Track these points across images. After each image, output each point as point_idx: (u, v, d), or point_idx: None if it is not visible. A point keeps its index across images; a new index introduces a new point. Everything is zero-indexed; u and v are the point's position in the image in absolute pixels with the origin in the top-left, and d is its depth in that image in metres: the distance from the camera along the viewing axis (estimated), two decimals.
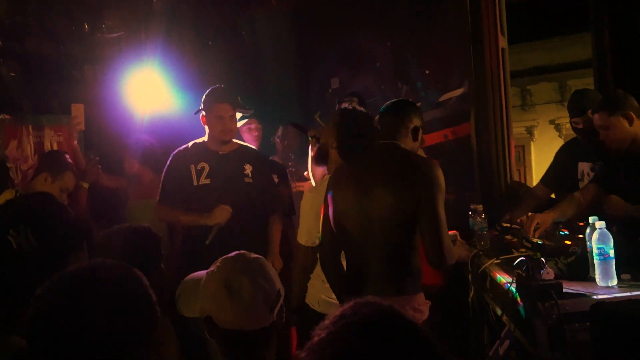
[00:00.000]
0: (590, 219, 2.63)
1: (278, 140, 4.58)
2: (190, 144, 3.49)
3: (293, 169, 4.36)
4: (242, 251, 1.75)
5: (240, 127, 4.19)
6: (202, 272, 1.76)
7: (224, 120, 3.36)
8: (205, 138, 3.47)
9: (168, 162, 3.49)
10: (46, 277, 1.27)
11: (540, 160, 10.76)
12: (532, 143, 11.06)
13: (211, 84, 3.58)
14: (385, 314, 1.00)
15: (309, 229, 2.86)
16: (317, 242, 2.78)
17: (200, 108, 3.42)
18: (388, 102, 2.75)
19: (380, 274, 2.52)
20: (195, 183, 3.38)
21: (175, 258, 4.04)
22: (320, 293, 2.84)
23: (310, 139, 3.34)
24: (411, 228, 2.50)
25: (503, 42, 4.50)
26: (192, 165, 3.40)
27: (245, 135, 4.27)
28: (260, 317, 1.64)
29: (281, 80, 5.47)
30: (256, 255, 1.75)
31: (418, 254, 2.57)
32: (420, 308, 2.52)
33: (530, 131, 11.00)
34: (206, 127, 3.43)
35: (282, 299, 1.70)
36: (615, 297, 2.38)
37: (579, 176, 3.46)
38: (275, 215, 3.53)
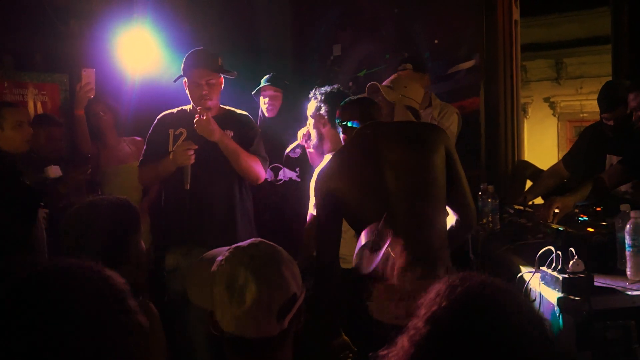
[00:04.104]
0: (622, 207, 2.44)
1: None
2: (177, 108, 3.36)
3: None
4: (257, 239, 1.50)
5: (255, 93, 3.94)
6: (220, 250, 1.51)
7: (200, 87, 3.19)
8: (191, 105, 3.31)
9: (152, 125, 3.37)
10: None
11: (532, 138, 10.61)
12: (525, 120, 10.90)
13: (204, 45, 3.36)
14: (491, 283, 1.03)
15: None
16: None
17: (179, 76, 3.26)
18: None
19: (413, 259, 2.28)
20: (170, 149, 3.22)
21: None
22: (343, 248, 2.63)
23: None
24: (441, 194, 2.33)
25: (516, 14, 4.29)
26: (171, 130, 3.26)
27: (261, 103, 3.96)
28: (265, 325, 1.39)
29: (278, 44, 5.20)
30: (274, 247, 1.49)
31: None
32: None
33: (524, 108, 10.83)
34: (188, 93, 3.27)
35: (298, 303, 1.46)
36: None
37: (607, 168, 3.23)
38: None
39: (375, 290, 2.32)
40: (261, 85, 3.91)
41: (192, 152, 3.09)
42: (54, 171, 3.53)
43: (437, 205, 2.34)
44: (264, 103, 3.91)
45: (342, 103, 2.63)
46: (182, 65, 3.24)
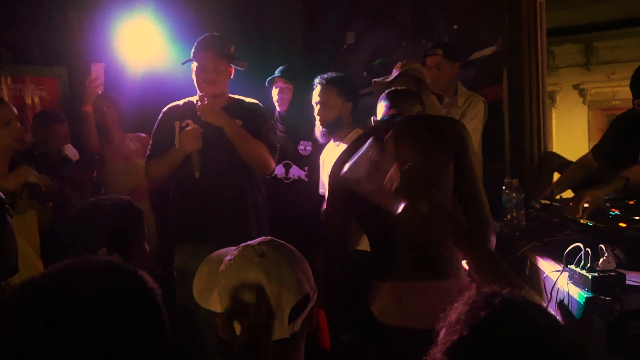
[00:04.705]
0: None
1: None
2: (183, 100, 3.39)
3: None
4: (267, 237, 1.51)
5: (268, 84, 3.95)
6: (228, 250, 1.52)
7: (207, 71, 3.21)
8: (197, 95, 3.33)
9: (158, 119, 3.41)
10: None
11: (561, 128, 10.51)
12: (553, 109, 10.80)
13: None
14: (519, 305, 0.98)
15: None
16: None
17: (187, 59, 3.30)
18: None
19: (420, 258, 2.30)
20: (176, 142, 3.24)
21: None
22: None
23: None
24: (447, 194, 2.30)
25: None
26: (177, 122, 3.27)
27: (273, 95, 3.96)
28: (276, 327, 1.40)
29: (288, 33, 5.20)
30: (284, 246, 1.50)
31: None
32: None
33: (551, 96, 10.69)
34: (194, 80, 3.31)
35: (311, 303, 1.46)
36: None
37: None
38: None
39: (379, 291, 2.34)
40: (273, 75, 3.92)
41: (199, 135, 3.10)
42: (72, 151, 3.58)
43: (441, 204, 2.31)
44: (275, 95, 3.93)
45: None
46: (192, 49, 3.27)
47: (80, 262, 1.03)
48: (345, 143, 3.25)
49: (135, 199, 3.87)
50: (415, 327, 2.18)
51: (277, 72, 3.92)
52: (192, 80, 3.31)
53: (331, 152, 3.39)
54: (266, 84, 3.96)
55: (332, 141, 3.48)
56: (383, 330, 2.28)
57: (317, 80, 3.44)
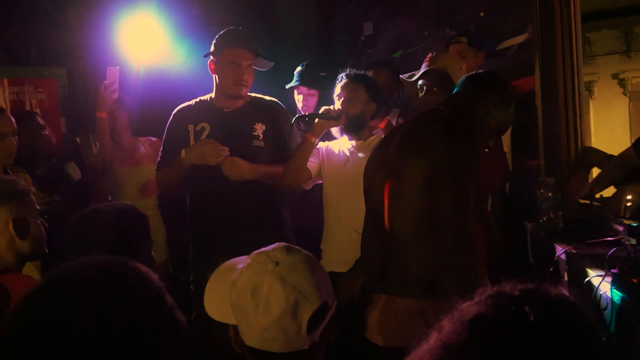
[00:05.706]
0: None
1: None
2: (195, 100, 3.34)
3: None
4: (282, 243, 1.51)
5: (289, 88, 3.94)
6: (241, 258, 1.52)
7: (240, 69, 3.14)
8: (213, 93, 3.29)
9: (168, 122, 3.36)
10: None
11: (599, 121, 10.46)
12: (590, 101, 10.74)
13: (217, 30, 3.37)
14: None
15: None
16: None
17: (210, 51, 3.21)
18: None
19: (404, 276, 2.33)
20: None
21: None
22: None
23: None
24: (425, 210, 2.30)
25: None
26: (191, 126, 3.23)
27: (294, 96, 3.95)
28: (294, 337, 1.39)
29: (301, 25, 5.20)
30: (301, 252, 1.50)
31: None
32: None
33: (588, 87, 10.65)
34: (215, 77, 3.23)
35: (331, 312, 1.45)
36: None
37: None
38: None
39: (365, 310, 2.40)
40: (293, 84, 3.89)
41: (225, 151, 3.06)
42: (74, 170, 3.61)
43: (421, 221, 2.31)
44: (297, 100, 3.90)
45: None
46: (216, 41, 3.20)
47: (76, 265, 1.12)
48: (364, 145, 3.23)
49: (146, 194, 3.94)
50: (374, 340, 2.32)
51: (295, 79, 3.88)
52: (201, 77, 3.29)
53: (340, 145, 3.35)
54: (286, 87, 3.94)
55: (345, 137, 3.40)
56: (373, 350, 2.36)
57: (342, 74, 3.32)
